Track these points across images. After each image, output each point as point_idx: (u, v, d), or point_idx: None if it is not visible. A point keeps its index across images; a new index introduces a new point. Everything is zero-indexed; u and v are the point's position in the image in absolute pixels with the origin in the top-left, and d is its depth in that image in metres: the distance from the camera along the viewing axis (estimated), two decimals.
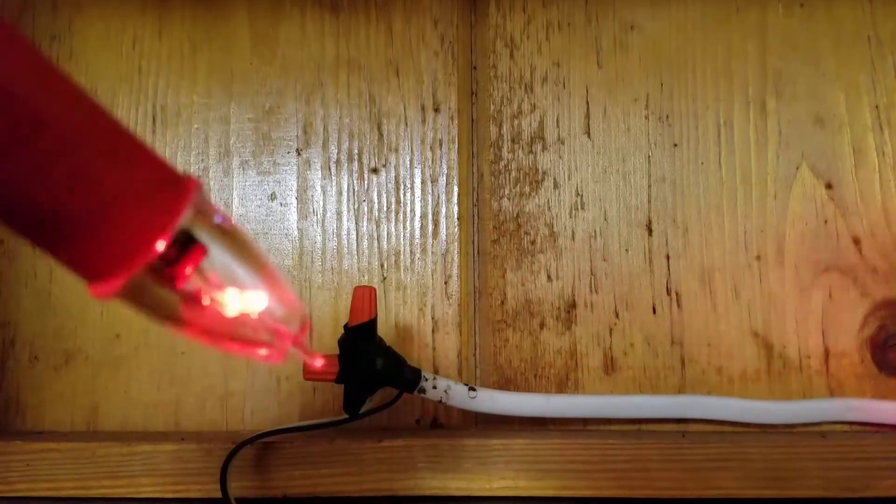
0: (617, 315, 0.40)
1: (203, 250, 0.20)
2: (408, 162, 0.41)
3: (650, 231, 0.40)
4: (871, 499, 0.35)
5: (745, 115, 0.41)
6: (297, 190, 0.41)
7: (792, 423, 0.38)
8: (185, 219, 0.19)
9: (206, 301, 0.20)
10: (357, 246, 0.41)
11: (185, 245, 0.19)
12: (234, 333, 0.21)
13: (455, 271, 0.40)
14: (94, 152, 0.18)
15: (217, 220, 0.21)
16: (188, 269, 0.20)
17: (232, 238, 0.21)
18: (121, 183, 0.18)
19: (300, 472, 0.36)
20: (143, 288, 0.19)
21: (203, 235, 0.20)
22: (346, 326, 0.34)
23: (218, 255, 0.20)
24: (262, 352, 0.22)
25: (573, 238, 0.40)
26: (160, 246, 0.18)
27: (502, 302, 0.40)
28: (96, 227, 0.18)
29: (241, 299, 0.21)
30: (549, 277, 0.40)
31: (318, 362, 0.28)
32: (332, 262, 0.41)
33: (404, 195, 0.41)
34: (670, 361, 0.39)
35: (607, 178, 0.41)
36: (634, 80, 0.41)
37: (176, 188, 0.19)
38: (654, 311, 0.40)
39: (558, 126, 0.41)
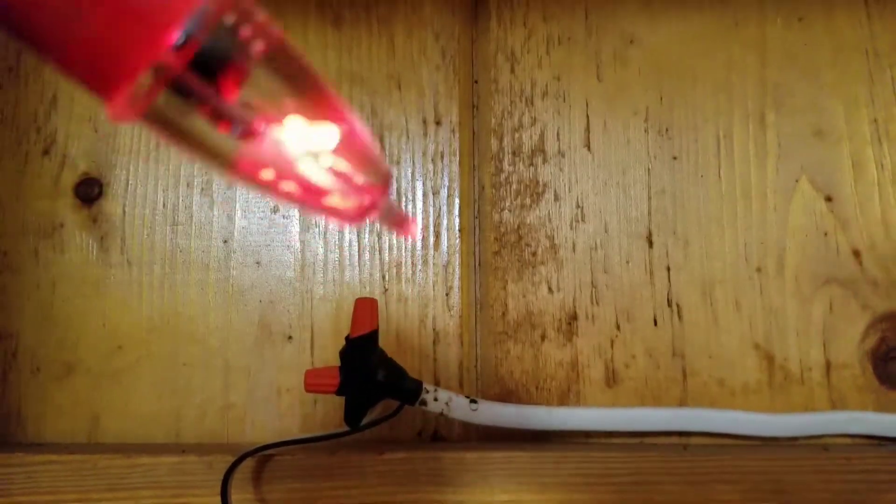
0: (618, 327, 0.40)
1: (243, 68, 0.16)
2: (409, 174, 0.41)
3: (651, 243, 0.40)
4: None
5: (744, 128, 0.41)
6: None
7: (794, 435, 0.38)
8: (204, 10, 0.15)
9: (258, 134, 0.16)
10: (359, 258, 0.41)
11: (221, 62, 0.16)
12: (299, 178, 0.17)
13: (456, 283, 0.40)
14: None
15: (254, 28, 0.16)
16: (226, 89, 0.16)
17: (283, 55, 0.17)
18: None
19: (301, 484, 0.36)
20: (170, 108, 0.16)
21: (241, 48, 0.16)
22: (347, 338, 0.34)
23: (266, 76, 0.16)
24: (336, 202, 0.17)
25: (574, 250, 0.40)
26: (175, 38, 0.15)
27: (503, 314, 0.40)
28: (104, 21, 0.15)
29: (306, 133, 0.17)
30: (550, 289, 0.40)
31: (413, 230, 0.21)
32: (333, 273, 0.41)
33: (406, 207, 0.41)
34: (672, 373, 0.39)
35: (608, 190, 0.41)
36: (634, 94, 0.41)
37: None
38: (656, 323, 0.40)
39: (559, 139, 0.41)
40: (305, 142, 0.17)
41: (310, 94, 0.17)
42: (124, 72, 0.15)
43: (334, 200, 0.18)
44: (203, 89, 0.16)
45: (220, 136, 0.16)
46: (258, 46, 0.16)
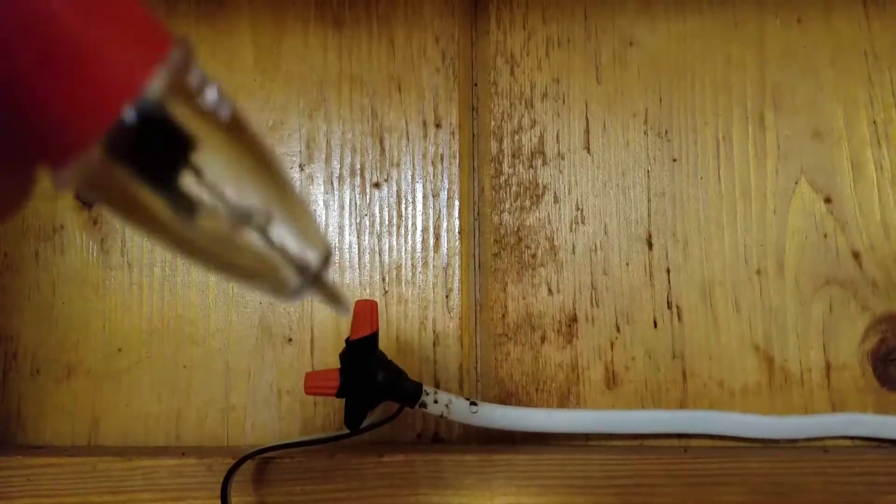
0: (618, 329, 0.40)
1: (189, 141, 0.15)
2: (409, 176, 0.41)
3: (650, 245, 0.40)
4: None
5: (743, 130, 0.41)
6: None
7: (794, 437, 0.38)
8: (156, 87, 0.14)
9: (199, 211, 0.16)
10: (359, 260, 0.41)
11: (168, 133, 0.15)
12: (237, 256, 0.16)
13: (456, 285, 0.40)
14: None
15: (211, 100, 0.15)
16: (171, 163, 0.15)
17: (233, 129, 0.16)
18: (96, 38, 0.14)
19: (301, 486, 0.36)
20: (120, 179, 0.15)
21: (190, 120, 0.15)
22: (347, 340, 0.34)
23: (213, 151, 0.15)
24: (271, 283, 0.17)
25: (574, 252, 0.40)
26: (124, 115, 0.14)
27: (503, 315, 0.40)
28: (50, 87, 0.14)
29: (246, 212, 0.16)
30: (549, 291, 0.40)
31: (349, 308, 0.20)
32: (333, 275, 0.41)
33: (406, 209, 0.41)
34: (672, 375, 0.39)
35: (607, 192, 0.41)
36: (633, 95, 0.41)
37: (150, 47, 0.15)
38: (655, 325, 0.40)
39: (558, 141, 0.41)
40: (246, 220, 0.16)
41: (262, 169, 0.16)
42: (73, 141, 0.14)
43: (270, 281, 0.17)
44: (157, 162, 0.15)
45: (171, 213, 0.15)
46: (223, 112, 0.16)
